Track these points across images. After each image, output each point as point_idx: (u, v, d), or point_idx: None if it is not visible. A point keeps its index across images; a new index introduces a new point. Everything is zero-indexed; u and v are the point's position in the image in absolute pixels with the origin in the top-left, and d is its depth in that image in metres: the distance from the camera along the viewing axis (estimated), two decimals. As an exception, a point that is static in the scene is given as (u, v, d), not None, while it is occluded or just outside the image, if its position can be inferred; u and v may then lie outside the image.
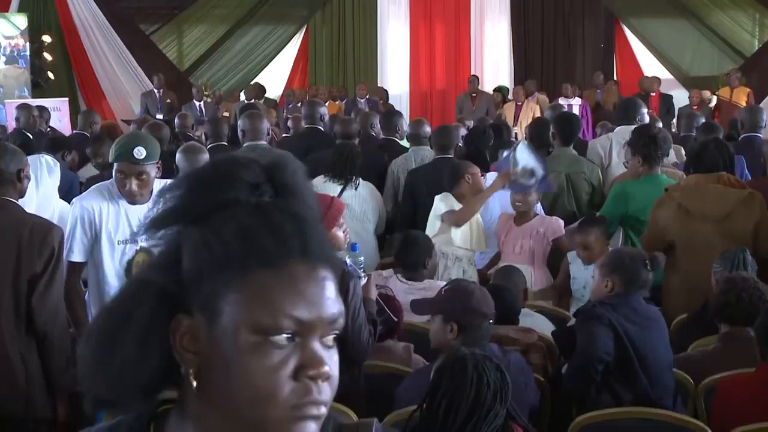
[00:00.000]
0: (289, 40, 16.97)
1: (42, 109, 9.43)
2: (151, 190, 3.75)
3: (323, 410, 1.00)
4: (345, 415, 2.86)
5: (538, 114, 12.00)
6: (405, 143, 6.98)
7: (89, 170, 6.68)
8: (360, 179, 5.73)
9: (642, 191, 4.95)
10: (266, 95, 14.06)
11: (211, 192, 1.02)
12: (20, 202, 3.55)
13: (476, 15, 16.96)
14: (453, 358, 2.69)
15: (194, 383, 1.01)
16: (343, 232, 3.58)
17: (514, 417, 2.67)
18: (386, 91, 15.26)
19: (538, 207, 5.45)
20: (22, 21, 14.68)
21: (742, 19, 16.17)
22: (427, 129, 6.68)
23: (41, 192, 4.55)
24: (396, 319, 3.85)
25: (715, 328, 3.84)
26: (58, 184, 4.82)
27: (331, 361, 1.01)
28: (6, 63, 14.48)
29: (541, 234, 5.14)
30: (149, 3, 16.38)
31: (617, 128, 6.50)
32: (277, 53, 16.85)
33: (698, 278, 4.34)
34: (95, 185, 4.00)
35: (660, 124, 6.90)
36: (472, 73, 15.42)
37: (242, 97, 14.58)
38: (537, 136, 6.27)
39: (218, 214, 1.01)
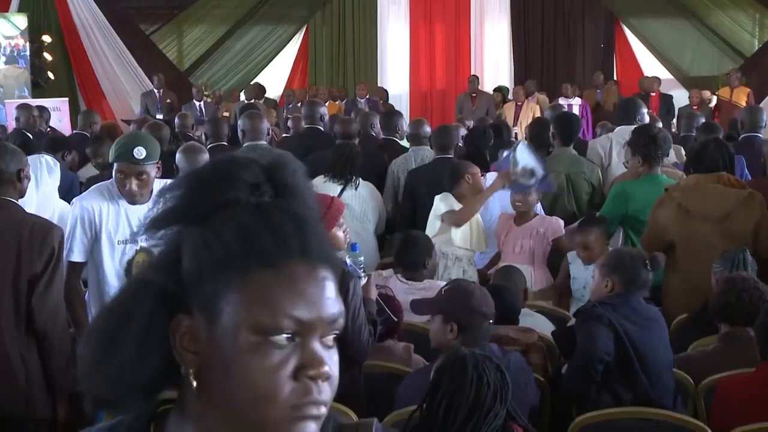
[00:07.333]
0: (289, 40, 16.98)
1: (42, 109, 9.42)
2: (151, 190, 3.75)
3: (323, 410, 1.00)
4: (345, 415, 2.86)
5: (538, 114, 11.99)
6: (405, 143, 6.97)
7: (89, 170, 6.67)
8: (360, 179, 5.73)
9: (642, 191, 4.95)
10: (266, 95, 14.05)
11: (211, 192, 1.02)
12: (20, 202, 3.55)
13: (476, 15, 16.95)
14: (453, 358, 2.69)
15: (194, 383, 1.01)
16: (343, 232, 3.58)
17: (514, 417, 2.67)
18: (386, 91, 15.26)
19: (538, 207, 5.45)
20: (22, 21, 14.67)
21: (742, 19, 16.17)
22: (427, 129, 6.68)
23: (41, 192, 4.54)
24: (396, 319, 3.85)
25: (715, 328, 3.84)
26: (58, 184, 4.82)
27: (331, 361, 1.01)
28: (6, 63, 14.48)
29: (541, 234, 5.14)
30: (149, 3, 16.38)
31: (617, 128, 6.49)
32: (277, 53, 16.86)
33: (698, 278, 4.34)
34: (95, 185, 4.00)
35: (660, 124, 6.89)
36: (472, 73, 15.42)
37: (242, 97, 14.58)
38: (537, 136, 6.27)
39: (218, 214, 1.01)
